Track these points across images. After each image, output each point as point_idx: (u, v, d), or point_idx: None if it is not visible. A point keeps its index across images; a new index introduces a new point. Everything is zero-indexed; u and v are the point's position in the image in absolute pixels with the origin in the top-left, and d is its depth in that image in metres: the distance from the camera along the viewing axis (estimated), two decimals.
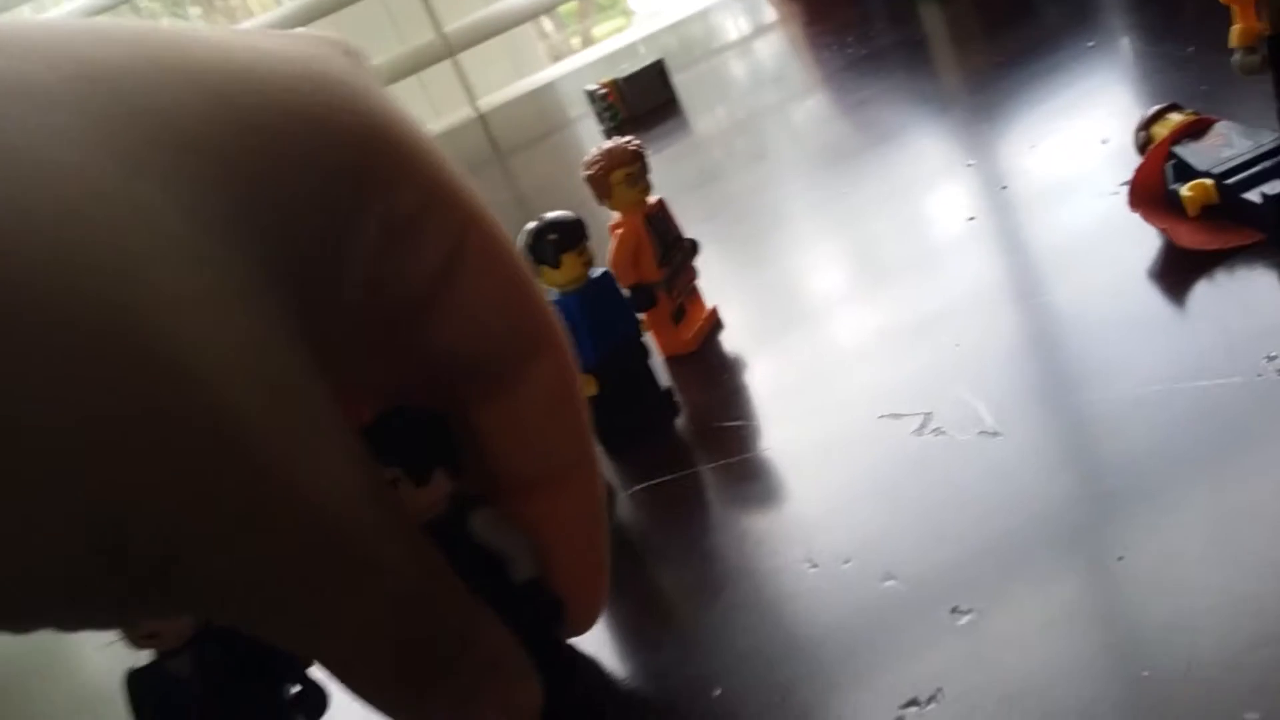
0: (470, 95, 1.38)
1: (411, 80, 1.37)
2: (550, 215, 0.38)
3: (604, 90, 0.92)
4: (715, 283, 0.49)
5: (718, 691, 0.28)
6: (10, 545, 0.15)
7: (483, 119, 1.31)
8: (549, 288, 0.39)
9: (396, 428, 0.24)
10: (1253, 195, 0.34)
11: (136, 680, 0.29)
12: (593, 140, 0.90)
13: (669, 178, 0.46)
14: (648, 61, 0.93)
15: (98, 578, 0.16)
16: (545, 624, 0.27)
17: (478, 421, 0.25)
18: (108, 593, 0.17)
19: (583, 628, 0.29)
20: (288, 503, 0.18)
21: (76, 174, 0.16)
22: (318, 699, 0.31)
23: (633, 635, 0.31)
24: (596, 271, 0.39)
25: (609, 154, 0.43)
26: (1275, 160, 0.35)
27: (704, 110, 0.92)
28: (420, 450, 0.24)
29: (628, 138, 0.44)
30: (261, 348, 0.17)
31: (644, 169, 0.44)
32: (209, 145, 0.18)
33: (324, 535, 0.18)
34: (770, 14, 1.15)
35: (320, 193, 0.20)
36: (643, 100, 0.92)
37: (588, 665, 0.30)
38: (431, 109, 1.48)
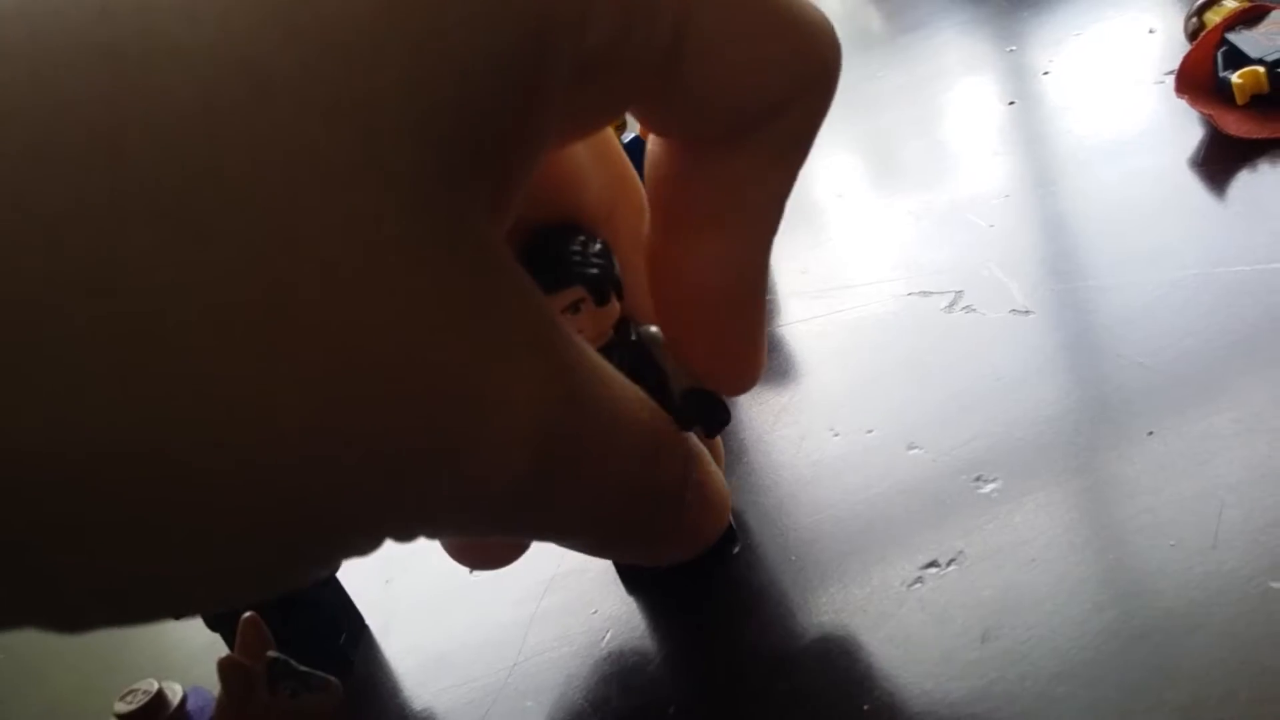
0: None
1: None
2: None
3: None
4: None
5: (737, 549, 0.28)
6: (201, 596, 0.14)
7: None
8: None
9: (576, 250, 0.23)
10: None
11: None
12: None
13: None
14: None
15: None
16: (716, 423, 0.26)
17: (674, 163, 0.22)
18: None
19: (741, 386, 0.26)
20: (503, 449, 0.16)
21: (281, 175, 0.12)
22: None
23: None
24: (627, 137, 0.39)
25: None
26: None
27: None
28: (602, 269, 0.23)
29: None
30: (448, 295, 0.15)
31: None
32: (375, 60, 0.14)
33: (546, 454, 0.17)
34: None
35: (496, 68, 0.15)
36: None
37: None
38: None
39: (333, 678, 0.25)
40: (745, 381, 0.25)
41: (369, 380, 0.13)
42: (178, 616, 0.15)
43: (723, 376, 0.25)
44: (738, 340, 0.25)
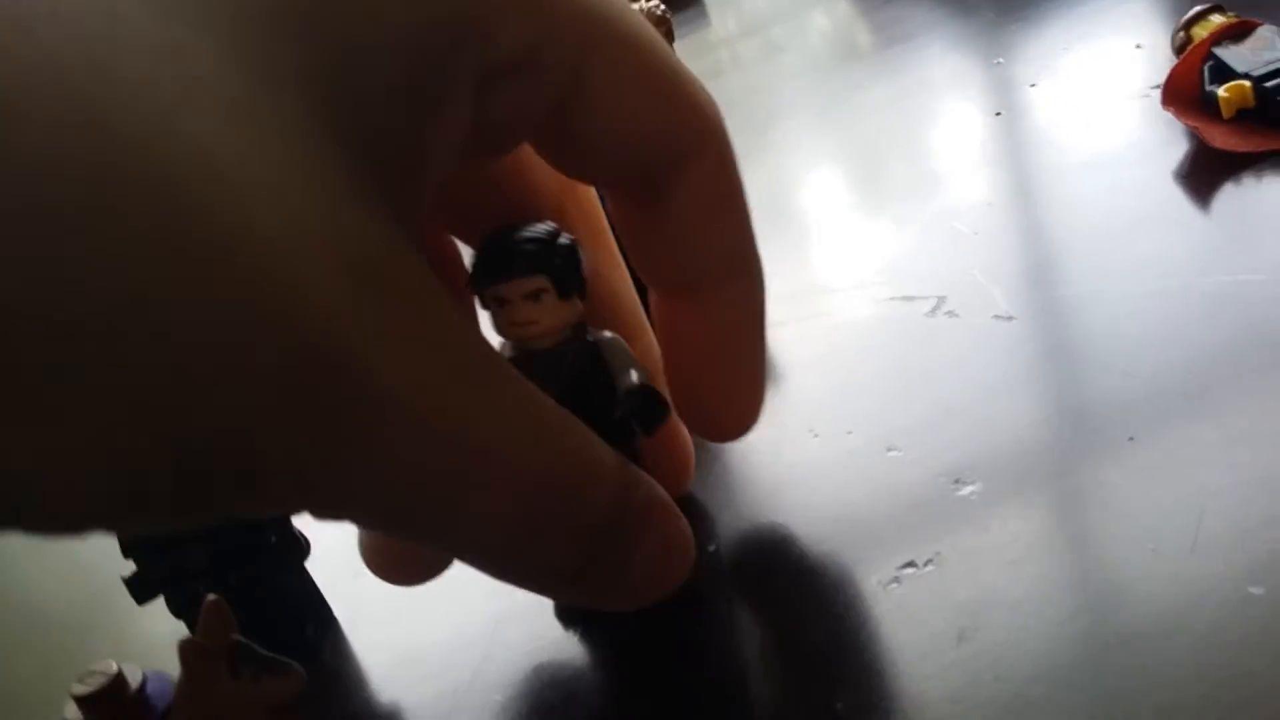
0: None
1: None
2: None
3: None
4: None
5: (712, 547, 0.28)
6: (52, 468, 0.13)
7: None
8: None
9: (541, 238, 0.23)
10: None
11: None
12: None
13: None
14: None
15: (162, 493, 0.14)
16: (653, 418, 0.25)
17: (628, 227, 0.24)
18: (179, 507, 0.14)
19: (736, 434, 0.27)
20: (378, 401, 0.15)
21: (100, 20, 0.13)
22: (297, 546, 0.31)
23: None
24: None
25: None
26: None
27: (724, 2, 0.90)
28: (568, 262, 0.23)
29: (653, 2, 0.43)
30: (325, 216, 0.15)
31: (669, 36, 0.42)
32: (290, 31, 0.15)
33: (425, 432, 0.16)
34: None
35: (404, 41, 0.16)
36: None
37: None
38: None
39: (295, 664, 0.25)
40: (746, 422, 0.26)
41: (255, 303, 0.13)
42: (80, 528, 0.14)
43: (723, 418, 0.26)
44: (734, 385, 0.26)
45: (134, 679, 0.25)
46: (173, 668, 0.25)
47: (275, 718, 0.24)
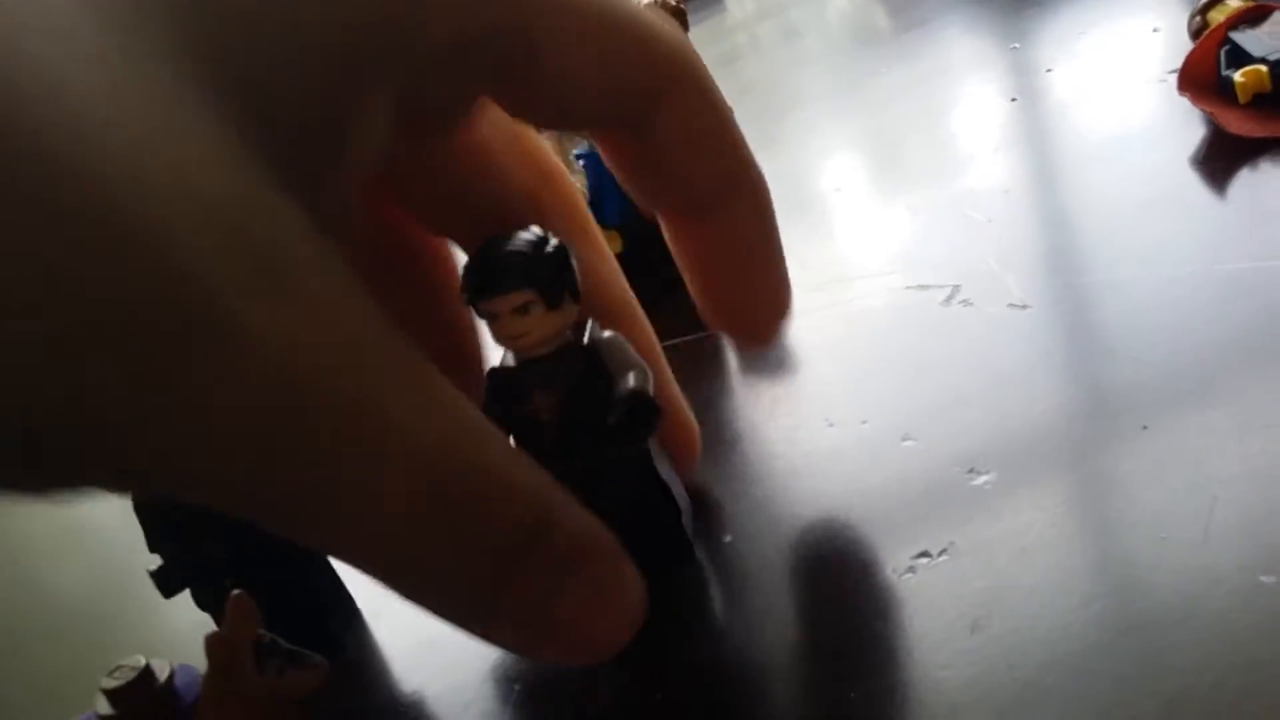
0: None
1: None
2: None
3: None
4: None
5: (728, 538, 0.28)
6: None
7: None
8: (578, 144, 0.39)
9: (525, 250, 0.23)
10: None
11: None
12: None
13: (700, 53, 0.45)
14: None
15: (19, 464, 0.14)
16: (644, 424, 0.25)
17: (617, 161, 0.24)
18: (35, 474, 0.14)
19: (767, 338, 0.28)
20: (256, 367, 0.14)
21: None
22: None
23: None
24: (582, 149, 0.39)
25: (649, 9, 0.42)
26: None
27: None
28: (557, 271, 0.23)
29: None
30: (201, 173, 0.14)
31: (684, 28, 0.43)
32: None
33: (297, 394, 0.15)
34: None
35: (319, 41, 0.17)
36: None
37: None
38: None
39: (320, 656, 0.25)
40: (773, 327, 0.27)
41: (114, 241, 0.13)
42: None
43: (750, 326, 0.27)
44: (753, 297, 0.26)
45: (162, 672, 0.25)
46: (197, 659, 0.25)
47: (302, 709, 0.25)
